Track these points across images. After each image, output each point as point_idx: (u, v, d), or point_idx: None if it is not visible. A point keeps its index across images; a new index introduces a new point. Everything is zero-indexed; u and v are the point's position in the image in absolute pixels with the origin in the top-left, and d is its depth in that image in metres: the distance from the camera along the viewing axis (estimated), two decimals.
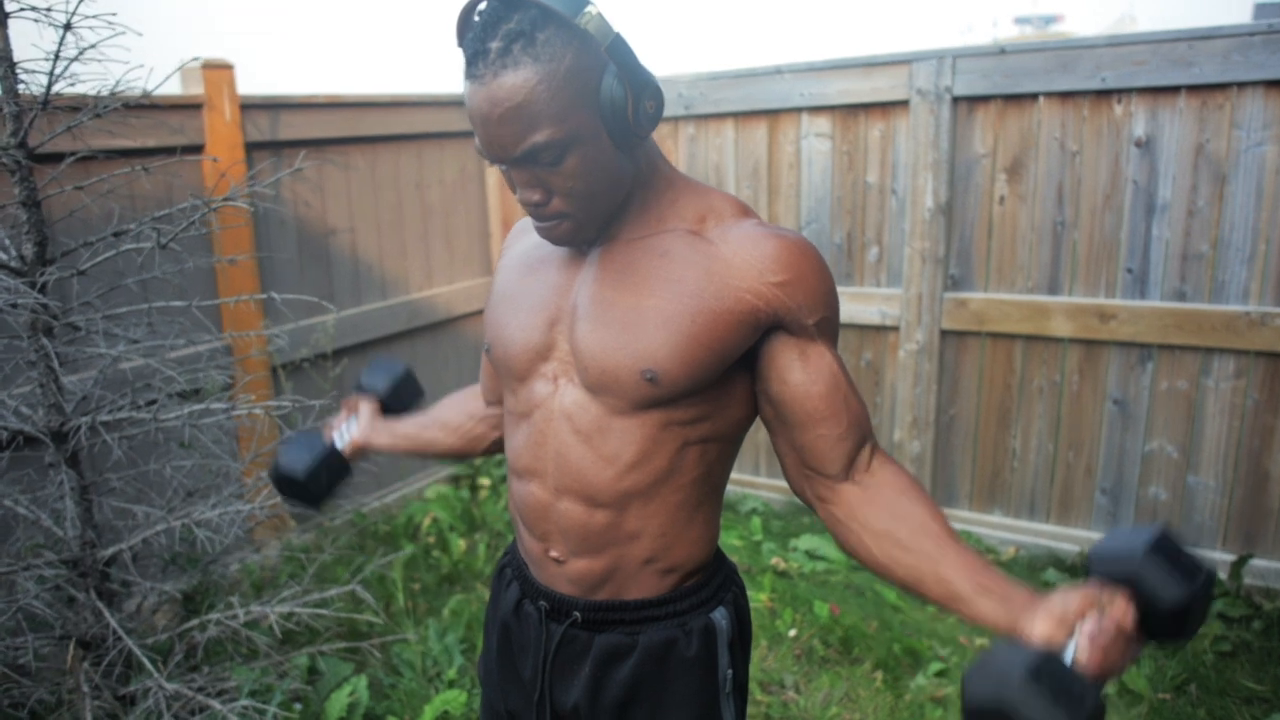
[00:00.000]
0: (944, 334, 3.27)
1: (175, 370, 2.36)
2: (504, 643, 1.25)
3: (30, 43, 1.91)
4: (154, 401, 2.19)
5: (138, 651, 1.89)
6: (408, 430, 1.50)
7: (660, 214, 1.10)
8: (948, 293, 3.22)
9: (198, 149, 3.10)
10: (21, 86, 1.91)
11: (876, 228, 3.37)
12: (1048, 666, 0.79)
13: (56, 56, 1.76)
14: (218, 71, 3.11)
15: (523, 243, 1.26)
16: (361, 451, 1.52)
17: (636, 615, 1.13)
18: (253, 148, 3.27)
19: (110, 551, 2.09)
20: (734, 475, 3.85)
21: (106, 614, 2.00)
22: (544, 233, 1.08)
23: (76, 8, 1.74)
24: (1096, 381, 3.06)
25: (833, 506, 1.09)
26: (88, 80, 1.98)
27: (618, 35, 0.98)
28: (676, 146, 3.75)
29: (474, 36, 0.97)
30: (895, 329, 3.37)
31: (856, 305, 3.41)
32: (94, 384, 2.20)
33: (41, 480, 2.25)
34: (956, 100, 3.09)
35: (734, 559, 3.21)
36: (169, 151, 2.99)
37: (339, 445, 1.51)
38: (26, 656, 1.95)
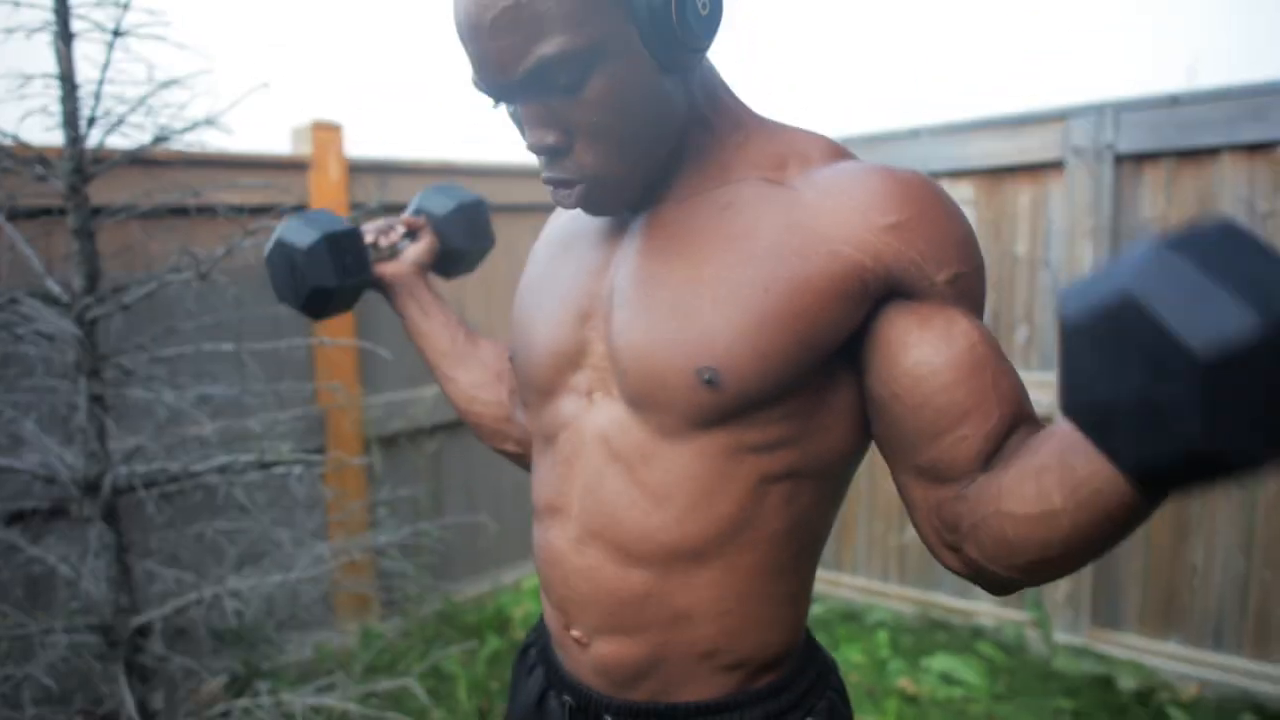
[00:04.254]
0: None
1: (241, 431, 2.19)
2: None
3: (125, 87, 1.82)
4: (228, 460, 2.00)
5: None
6: (440, 333, 1.13)
7: (724, 162, 0.81)
8: None
9: (301, 209, 3.02)
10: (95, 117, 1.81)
11: (1026, 305, 2.98)
12: (1215, 239, 0.44)
13: (106, 66, 1.65)
14: (327, 132, 3.05)
15: (560, 218, 0.98)
16: (385, 287, 1.17)
17: None
18: (360, 211, 3.18)
19: (140, 620, 1.89)
20: (859, 583, 3.43)
21: (125, 689, 1.78)
22: (564, 197, 0.79)
23: (122, 18, 1.62)
24: None
25: (963, 538, 0.72)
26: (161, 111, 1.88)
27: None
28: None
29: None
30: (1047, 420, 2.94)
31: None
32: (150, 436, 2.04)
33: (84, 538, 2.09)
34: (1120, 158, 2.71)
35: (854, 678, 2.79)
36: (271, 210, 2.93)
37: (368, 241, 1.16)
38: None
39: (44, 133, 1.74)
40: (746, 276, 0.73)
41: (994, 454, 0.72)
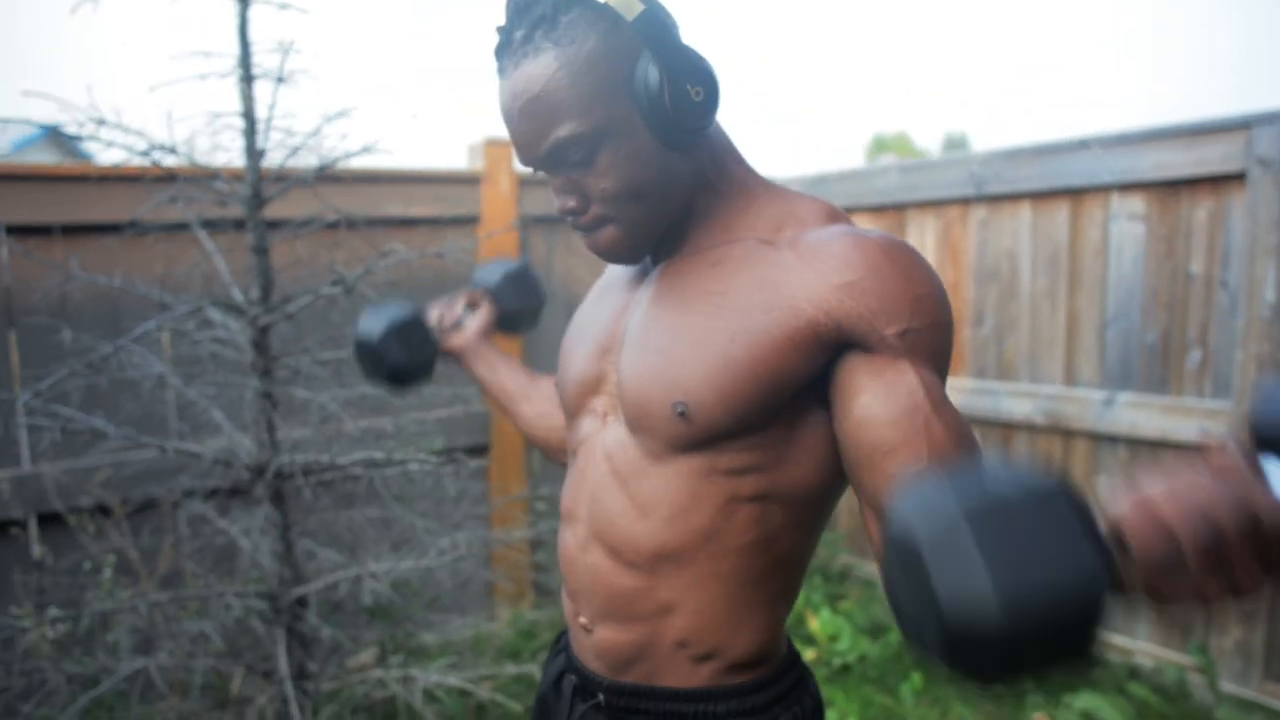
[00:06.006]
0: None
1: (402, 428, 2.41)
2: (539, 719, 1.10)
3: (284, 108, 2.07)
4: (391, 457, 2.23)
5: (290, 694, 1.89)
6: (506, 382, 1.35)
7: (728, 223, 0.94)
8: None
9: (474, 220, 3.26)
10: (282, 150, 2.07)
11: (1200, 327, 2.78)
12: (1027, 504, 0.52)
13: (272, 107, 1.89)
14: (499, 148, 3.28)
15: (609, 268, 1.15)
16: (456, 355, 1.42)
17: (662, 707, 0.93)
18: (528, 222, 3.39)
19: (298, 592, 2.14)
20: None
21: (280, 650, 2.03)
22: (590, 246, 0.96)
23: (283, 61, 1.85)
24: None
25: None
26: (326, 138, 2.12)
27: (647, 10, 0.85)
28: (966, 232, 3.39)
29: (503, 27, 0.89)
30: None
31: (1172, 420, 2.82)
32: (315, 430, 2.30)
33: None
34: None
35: (987, 707, 2.72)
36: (450, 222, 3.18)
37: (430, 322, 1.41)
38: (201, 678, 2.03)
39: (223, 161, 2.01)
40: (717, 326, 0.86)
41: None
